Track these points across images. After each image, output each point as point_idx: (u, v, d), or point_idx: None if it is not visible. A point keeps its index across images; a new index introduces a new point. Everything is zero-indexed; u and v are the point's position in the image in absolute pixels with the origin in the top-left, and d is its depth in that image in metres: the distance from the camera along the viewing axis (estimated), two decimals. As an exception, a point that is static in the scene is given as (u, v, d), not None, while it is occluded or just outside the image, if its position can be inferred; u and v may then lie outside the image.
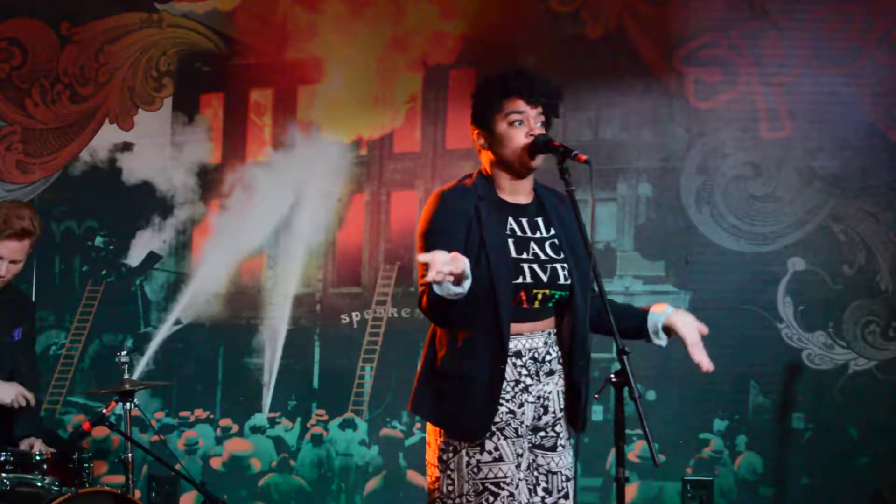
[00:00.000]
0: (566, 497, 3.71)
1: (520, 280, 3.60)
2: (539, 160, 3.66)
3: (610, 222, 6.09)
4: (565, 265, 3.66)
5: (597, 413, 5.76)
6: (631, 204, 6.09)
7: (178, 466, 5.60)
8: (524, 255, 3.64)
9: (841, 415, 5.85)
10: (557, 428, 3.71)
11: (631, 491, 5.88)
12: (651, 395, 5.94)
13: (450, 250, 3.41)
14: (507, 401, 3.62)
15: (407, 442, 6.26)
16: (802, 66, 5.94)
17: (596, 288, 3.53)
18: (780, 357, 5.90)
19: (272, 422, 6.42)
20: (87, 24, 6.76)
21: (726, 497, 5.92)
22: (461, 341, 3.60)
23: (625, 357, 3.35)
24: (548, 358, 3.68)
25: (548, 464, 3.70)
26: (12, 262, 5.00)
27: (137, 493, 5.31)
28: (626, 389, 3.35)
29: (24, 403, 4.98)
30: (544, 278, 3.63)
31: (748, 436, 5.92)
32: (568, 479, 3.73)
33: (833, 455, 5.83)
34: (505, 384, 3.62)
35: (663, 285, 6.03)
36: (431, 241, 3.57)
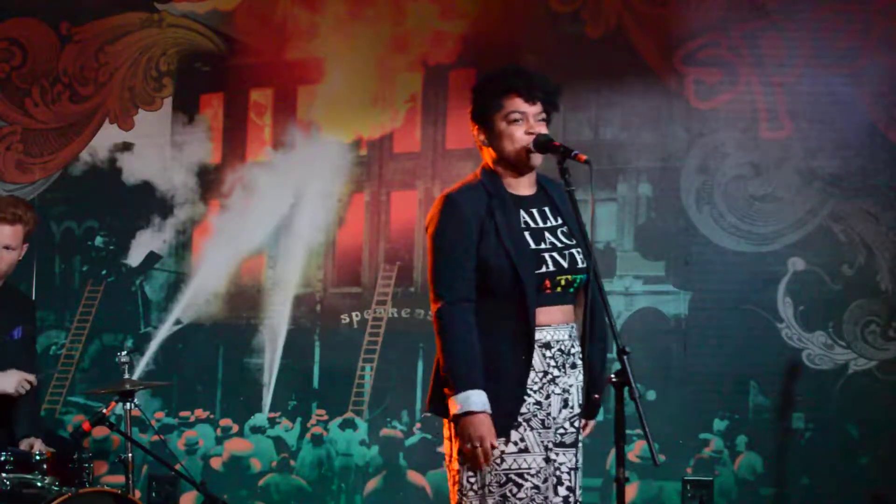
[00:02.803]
0: (581, 496, 3.73)
1: (543, 269, 3.64)
2: (538, 159, 3.68)
3: (610, 222, 6.09)
4: (579, 249, 3.71)
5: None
6: (631, 204, 6.09)
7: (178, 466, 5.60)
8: (542, 245, 3.67)
9: (841, 415, 5.84)
10: (577, 424, 3.72)
11: (631, 491, 5.88)
12: (651, 395, 5.94)
13: (466, 260, 3.58)
14: (535, 392, 3.64)
15: (407, 442, 6.26)
16: (802, 66, 5.94)
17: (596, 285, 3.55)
18: (780, 357, 5.90)
19: (272, 422, 6.42)
20: (87, 24, 6.76)
21: (726, 497, 5.92)
22: (486, 335, 3.60)
23: (625, 357, 3.36)
24: (572, 351, 3.70)
25: (570, 461, 3.70)
26: (6, 248, 4.99)
27: (137, 493, 5.30)
28: (626, 389, 3.35)
29: (28, 387, 4.96)
30: (565, 264, 3.67)
31: (748, 436, 5.91)
32: (581, 476, 3.74)
33: (833, 455, 5.83)
34: (533, 375, 3.64)
35: (663, 285, 6.03)
36: (447, 250, 3.65)
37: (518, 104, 3.65)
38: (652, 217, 6.08)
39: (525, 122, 3.65)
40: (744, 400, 5.92)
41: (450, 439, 3.70)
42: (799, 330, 5.90)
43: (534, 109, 3.66)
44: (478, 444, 3.53)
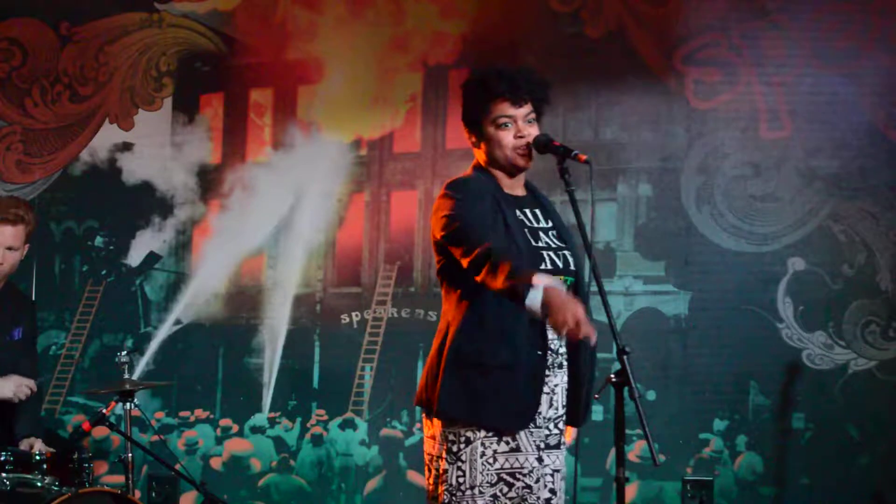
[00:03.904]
0: (565, 496, 3.72)
1: (542, 267, 3.62)
2: (529, 161, 3.67)
3: (610, 222, 6.09)
4: (569, 252, 3.70)
5: (597, 413, 5.75)
6: (631, 204, 6.09)
7: (178, 466, 5.60)
8: (540, 244, 3.66)
9: (841, 415, 5.85)
10: (560, 425, 3.71)
11: (631, 491, 5.88)
12: (651, 395, 5.94)
13: (488, 222, 3.51)
14: None
15: (407, 442, 6.26)
16: (802, 66, 5.94)
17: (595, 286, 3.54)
18: (780, 357, 5.90)
19: (272, 422, 6.42)
20: (87, 24, 6.75)
21: (726, 497, 5.92)
22: (499, 330, 3.56)
23: (625, 357, 3.35)
24: (560, 351, 3.69)
25: (553, 462, 3.69)
26: (9, 248, 4.99)
27: (137, 493, 5.30)
28: (626, 389, 3.34)
29: (28, 393, 4.97)
30: (560, 265, 3.67)
31: (748, 436, 5.92)
32: (563, 479, 3.73)
33: (833, 455, 5.83)
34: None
35: (663, 285, 6.03)
36: (469, 215, 3.54)
37: (505, 108, 3.64)
38: (652, 217, 6.08)
39: (514, 126, 3.65)
40: (744, 400, 5.93)
41: (433, 437, 3.68)
42: (799, 330, 5.90)
43: (522, 111, 3.65)
44: (572, 311, 3.31)
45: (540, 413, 3.63)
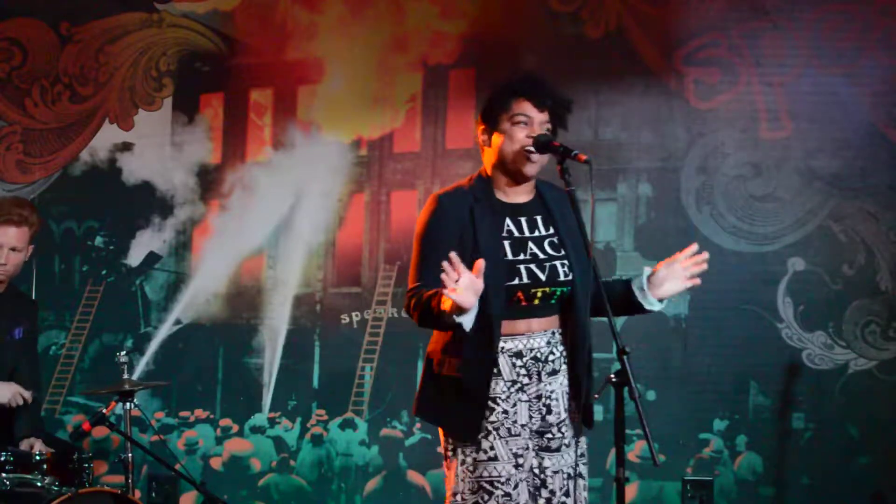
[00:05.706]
0: (567, 495, 3.72)
1: (515, 281, 3.63)
2: (533, 168, 3.66)
3: (610, 222, 6.09)
4: (566, 262, 3.68)
5: (597, 413, 5.71)
6: (631, 204, 6.09)
7: (178, 466, 5.60)
8: (521, 256, 3.65)
9: (841, 415, 5.85)
10: (563, 429, 3.72)
11: (631, 491, 5.89)
12: (651, 395, 5.94)
13: (441, 258, 3.48)
14: (503, 401, 3.65)
15: (407, 442, 6.26)
16: (802, 66, 5.94)
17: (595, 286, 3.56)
18: (780, 357, 5.91)
19: (272, 422, 6.43)
20: (87, 24, 6.75)
21: (726, 497, 5.93)
22: (454, 343, 3.64)
23: (625, 357, 3.36)
24: (550, 357, 3.69)
25: (553, 465, 3.71)
26: (13, 249, 5.00)
27: (137, 493, 5.31)
28: (626, 389, 3.35)
29: (21, 402, 4.98)
30: (542, 277, 3.65)
31: (748, 436, 5.92)
32: (570, 477, 3.73)
33: (833, 455, 5.83)
34: (501, 384, 3.65)
35: (663, 285, 6.01)
36: (427, 250, 3.66)
37: (526, 108, 3.66)
38: (652, 217, 6.08)
39: (529, 127, 3.65)
40: (744, 400, 5.93)
41: (441, 443, 3.77)
42: (799, 330, 5.91)
43: (541, 117, 3.67)
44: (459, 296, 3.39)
45: (516, 422, 3.66)
